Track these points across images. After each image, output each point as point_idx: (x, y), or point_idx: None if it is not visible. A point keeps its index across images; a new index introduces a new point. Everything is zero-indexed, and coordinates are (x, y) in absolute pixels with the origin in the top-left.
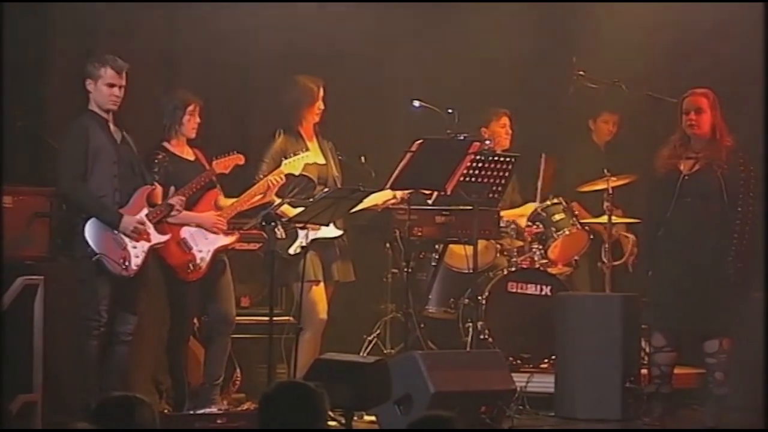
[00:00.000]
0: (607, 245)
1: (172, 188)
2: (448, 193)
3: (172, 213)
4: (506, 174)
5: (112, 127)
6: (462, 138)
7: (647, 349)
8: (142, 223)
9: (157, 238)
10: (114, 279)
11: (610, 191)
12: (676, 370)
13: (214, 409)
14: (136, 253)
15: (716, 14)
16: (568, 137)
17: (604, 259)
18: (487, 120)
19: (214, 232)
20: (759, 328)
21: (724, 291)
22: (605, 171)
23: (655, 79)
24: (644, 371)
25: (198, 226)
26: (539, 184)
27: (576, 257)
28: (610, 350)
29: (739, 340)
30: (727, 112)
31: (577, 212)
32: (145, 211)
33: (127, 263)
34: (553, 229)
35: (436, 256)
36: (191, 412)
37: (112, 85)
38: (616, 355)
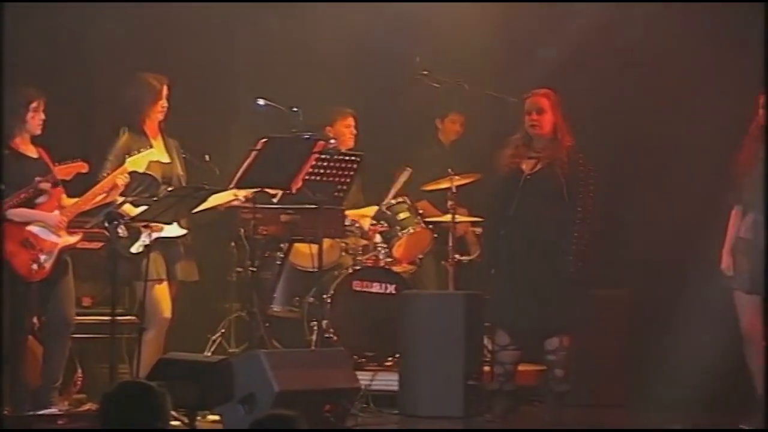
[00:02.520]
0: (451, 243)
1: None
2: (293, 191)
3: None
4: (351, 173)
5: None
6: (307, 137)
7: (490, 347)
8: None
9: None
10: None
11: (454, 190)
12: (519, 368)
13: (54, 410)
14: None
15: (558, 14)
16: (414, 136)
17: (457, 257)
18: (332, 119)
19: (58, 231)
20: (600, 325)
21: (564, 289)
22: (449, 170)
23: (498, 79)
24: (487, 369)
25: (41, 225)
26: (393, 191)
27: (420, 255)
28: (454, 348)
29: (579, 338)
30: (569, 111)
31: (421, 211)
32: None
33: None
34: (398, 227)
35: (281, 255)
36: (31, 413)
37: None
38: (459, 353)
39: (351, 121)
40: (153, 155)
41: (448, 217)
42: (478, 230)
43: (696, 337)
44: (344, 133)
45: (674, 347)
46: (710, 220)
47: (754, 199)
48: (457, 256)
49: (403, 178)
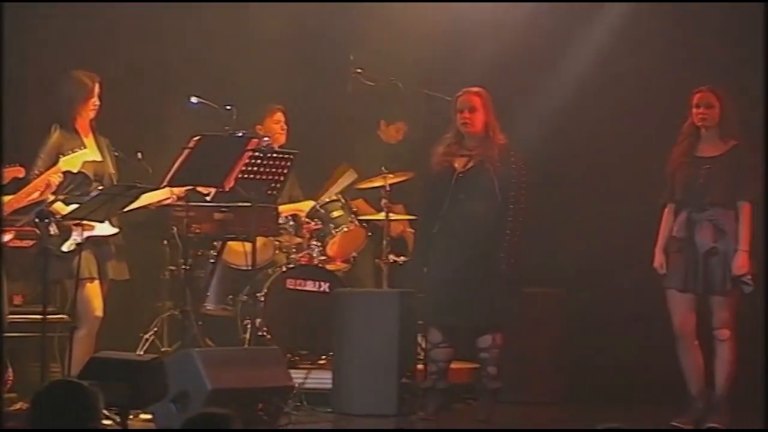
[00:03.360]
0: (385, 242)
1: None
2: (227, 189)
3: None
4: (285, 171)
5: None
6: (240, 135)
7: (423, 345)
8: None
9: None
10: None
11: (388, 188)
12: (452, 366)
13: None
14: None
15: (492, 14)
16: (349, 134)
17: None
18: (261, 117)
19: None
20: (533, 322)
21: (497, 287)
22: (383, 168)
23: (432, 77)
24: (420, 367)
25: None
26: (332, 189)
27: (354, 254)
28: (387, 346)
29: (511, 335)
30: (502, 110)
31: (355, 209)
32: None
33: None
34: (332, 225)
35: (215, 253)
36: None
37: None
38: (392, 351)
39: (280, 116)
40: (87, 155)
41: (382, 215)
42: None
43: (628, 334)
44: (274, 129)
45: (606, 345)
46: (643, 219)
47: (687, 198)
48: (392, 256)
49: (347, 180)
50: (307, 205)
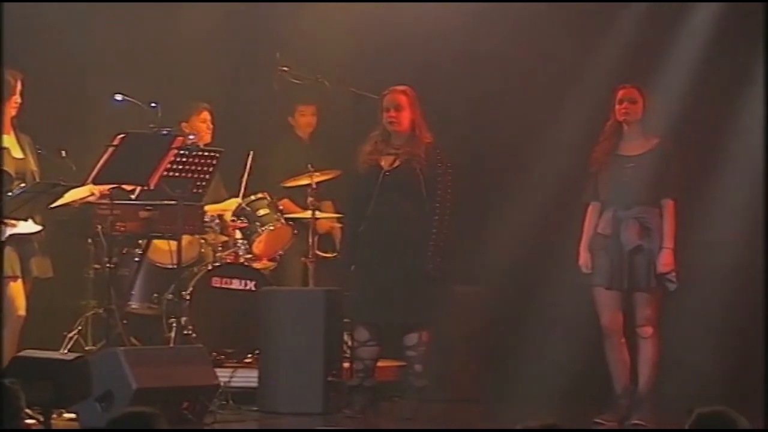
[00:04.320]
0: (311, 240)
1: None
2: (152, 187)
3: None
4: (210, 169)
5: None
6: (165, 132)
7: (350, 343)
8: None
9: None
10: None
11: (314, 186)
12: (378, 363)
13: None
14: None
15: (422, 13)
16: (275, 133)
17: (318, 253)
18: (187, 115)
19: None
20: (459, 321)
21: (423, 285)
22: (309, 166)
23: (358, 75)
24: (347, 365)
25: None
26: (244, 180)
27: (280, 252)
28: (313, 344)
29: (438, 333)
30: (428, 109)
31: (282, 207)
32: None
33: None
34: (258, 224)
35: (140, 252)
36: None
37: None
38: (318, 350)
39: (206, 115)
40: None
41: (309, 213)
42: None
43: (553, 332)
44: (200, 128)
45: (532, 343)
46: (567, 217)
47: (613, 196)
48: (318, 252)
49: (249, 162)
50: (232, 204)
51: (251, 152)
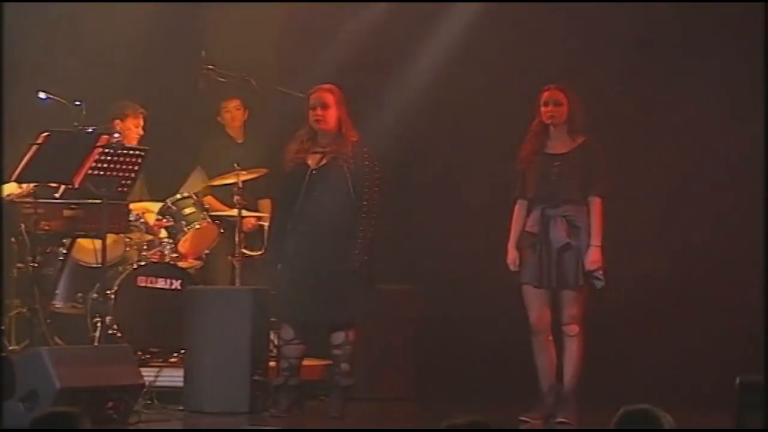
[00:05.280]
0: (238, 239)
1: None
2: (76, 186)
3: None
4: (135, 168)
5: None
6: (90, 131)
7: (276, 342)
8: None
9: None
10: None
11: (240, 185)
12: (305, 362)
13: None
14: None
15: (349, 12)
16: (203, 132)
17: (245, 251)
18: (124, 114)
19: None
20: (386, 319)
21: (350, 283)
22: (235, 165)
23: (285, 75)
24: (273, 364)
25: None
26: (183, 190)
27: (206, 251)
28: (239, 343)
29: (364, 332)
30: (356, 107)
31: (207, 206)
32: None
33: None
34: (183, 222)
35: (64, 251)
36: None
37: None
38: (244, 349)
39: (141, 121)
40: None
41: (235, 212)
42: None
43: (480, 330)
44: (131, 130)
45: (459, 341)
46: (494, 215)
47: (540, 195)
48: (245, 250)
49: (195, 178)
50: (155, 206)
51: (198, 167)
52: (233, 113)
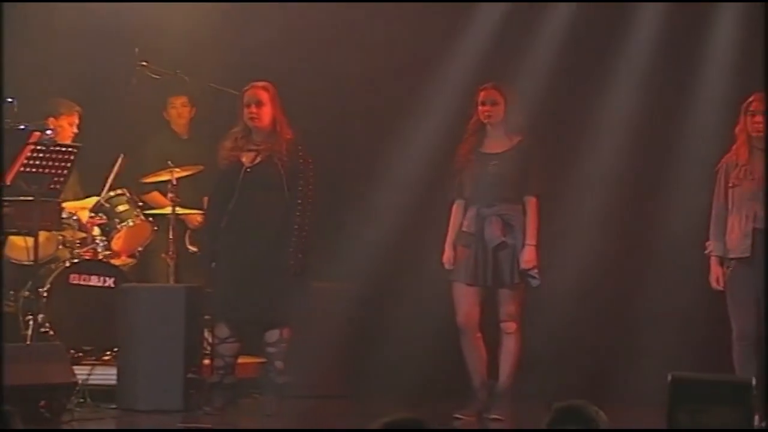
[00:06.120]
0: (172, 236)
1: None
2: (8, 183)
3: None
4: (68, 165)
5: None
6: (22, 128)
7: (210, 340)
8: None
9: None
10: None
11: (175, 182)
12: (240, 360)
13: None
14: None
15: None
16: (141, 129)
17: (190, 248)
18: (59, 111)
19: None
20: (321, 316)
21: (284, 281)
22: (169, 162)
23: (220, 72)
24: (207, 362)
25: None
26: (110, 180)
27: (140, 248)
28: (173, 341)
29: (299, 330)
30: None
31: (141, 203)
32: None
33: None
34: (117, 220)
35: None
36: None
37: None
38: (178, 346)
39: (76, 119)
40: None
41: (169, 210)
42: None
43: (415, 328)
44: (65, 127)
45: (394, 339)
46: (430, 213)
47: (476, 194)
48: (190, 247)
49: (118, 164)
50: (89, 203)
51: (122, 155)
52: (179, 110)
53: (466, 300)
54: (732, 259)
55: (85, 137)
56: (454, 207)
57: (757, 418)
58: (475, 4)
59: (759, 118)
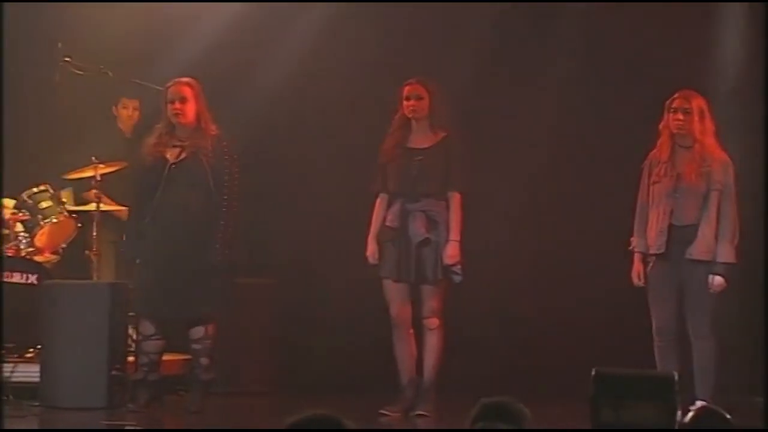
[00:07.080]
0: (95, 233)
1: None
2: None
3: None
4: None
5: None
6: None
7: (135, 337)
8: None
9: None
10: None
11: (98, 178)
12: (165, 357)
13: None
14: None
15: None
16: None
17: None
18: None
19: None
20: (246, 313)
21: (209, 278)
22: (93, 158)
23: (144, 67)
24: (131, 359)
25: None
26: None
27: (63, 245)
28: (97, 338)
29: (224, 327)
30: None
31: (65, 200)
32: None
33: None
34: (40, 216)
35: None
36: None
37: None
38: (102, 343)
39: None
40: None
41: (93, 206)
42: None
43: (341, 324)
44: None
45: (320, 334)
46: (355, 208)
47: (400, 189)
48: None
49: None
50: (11, 201)
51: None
52: (130, 112)
53: (396, 296)
54: (652, 254)
55: (15, 134)
56: (378, 201)
57: (679, 413)
58: (401, 4)
59: (680, 116)
